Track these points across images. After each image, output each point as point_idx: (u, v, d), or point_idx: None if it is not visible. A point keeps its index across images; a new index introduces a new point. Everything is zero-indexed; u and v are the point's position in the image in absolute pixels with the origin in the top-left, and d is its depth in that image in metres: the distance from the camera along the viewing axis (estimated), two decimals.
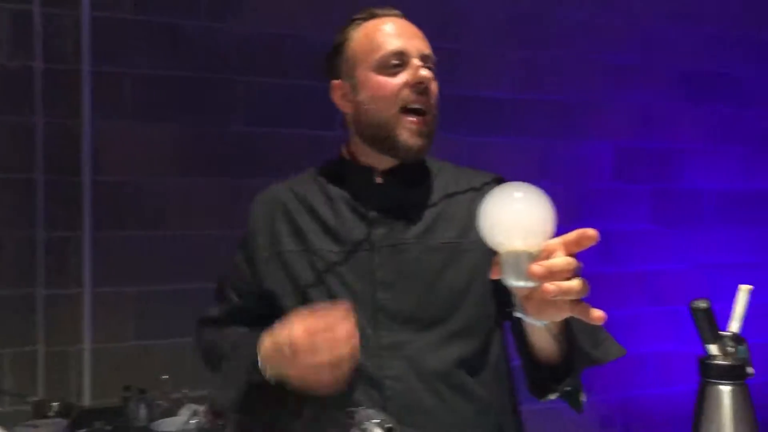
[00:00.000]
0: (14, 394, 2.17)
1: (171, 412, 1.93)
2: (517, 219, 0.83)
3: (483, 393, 1.19)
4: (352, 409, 0.88)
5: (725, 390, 0.87)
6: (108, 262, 2.34)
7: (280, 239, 1.24)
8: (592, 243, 0.81)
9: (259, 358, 1.09)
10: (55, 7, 2.27)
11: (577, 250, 0.83)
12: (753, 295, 0.92)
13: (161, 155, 2.40)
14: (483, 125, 2.75)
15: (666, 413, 2.99)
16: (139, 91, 2.36)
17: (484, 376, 1.21)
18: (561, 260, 0.81)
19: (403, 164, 1.23)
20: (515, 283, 0.84)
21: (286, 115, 2.51)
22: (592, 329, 1.07)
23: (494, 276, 0.87)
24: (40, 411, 1.92)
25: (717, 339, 0.88)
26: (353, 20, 1.26)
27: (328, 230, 1.22)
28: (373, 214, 1.21)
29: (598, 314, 0.82)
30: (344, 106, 1.27)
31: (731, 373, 0.88)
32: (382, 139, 1.20)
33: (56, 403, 1.92)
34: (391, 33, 1.20)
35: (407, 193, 1.22)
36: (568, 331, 1.03)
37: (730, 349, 0.88)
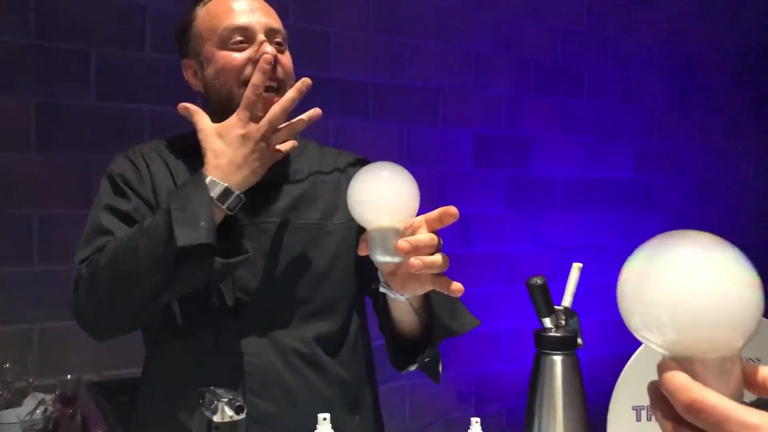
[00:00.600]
0: None
1: (13, 403, 1.82)
2: (384, 197, 0.87)
3: (340, 369, 1.22)
4: (202, 389, 0.87)
5: (557, 359, 0.95)
6: None
7: (160, 202, 1.19)
8: (453, 220, 0.88)
9: (212, 177, 1.05)
10: None
11: (439, 226, 0.89)
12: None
13: (5, 128, 2.22)
14: (347, 108, 2.78)
15: (517, 385, 3.16)
16: None
17: (342, 353, 1.24)
18: (425, 236, 0.87)
19: None
20: (382, 258, 0.88)
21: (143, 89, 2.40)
22: (450, 303, 1.13)
23: (362, 252, 0.91)
24: None
25: (551, 313, 0.95)
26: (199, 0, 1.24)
27: None
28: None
29: (457, 286, 0.89)
30: (195, 85, 1.25)
31: (563, 344, 0.95)
32: (230, 114, 1.19)
33: None
34: (235, 9, 1.19)
35: (269, 171, 1.23)
36: (427, 305, 1.08)
37: (562, 322, 0.96)
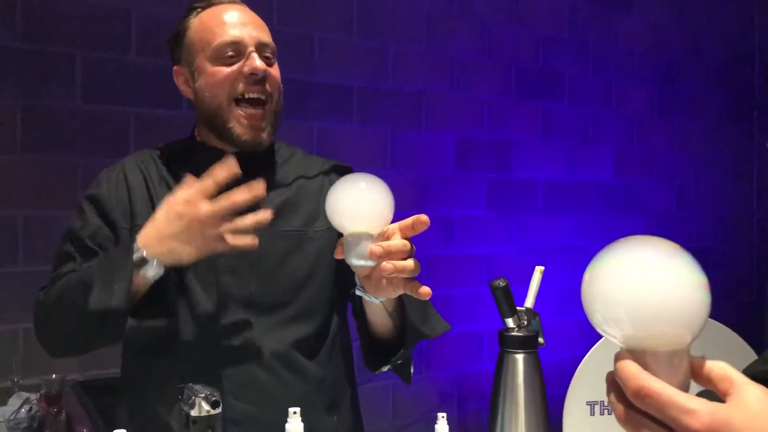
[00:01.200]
0: None
1: None
2: (360, 205, 0.92)
3: (317, 371, 1.25)
4: (181, 385, 0.91)
5: (519, 357, 0.99)
6: None
7: (135, 215, 1.23)
8: (425, 227, 0.93)
9: (137, 243, 1.07)
10: None
11: (412, 233, 0.94)
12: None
13: None
14: (331, 111, 2.81)
15: None
16: None
17: (321, 355, 1.27)
18: (397, 242, 0.92)
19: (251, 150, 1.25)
20: (357, 262, 0.93)
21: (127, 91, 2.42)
22: (422, 308, 1.16)
23: (338, 256, 0.96)
24: None
25: (513, 313, 0.99)
26: (192, 8, 1.27)
27: None
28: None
29: (425, 290, 0.94)
30: (186, 92, 1.29)
31: (525, 343, 1.00)
32: (218, 127, 1.23)
33: None
34: (227, 22, 1.22)
35: (254, 179, 1.26)
36: (401, 309, 1.13)
37: (524, 322, 1.01)
